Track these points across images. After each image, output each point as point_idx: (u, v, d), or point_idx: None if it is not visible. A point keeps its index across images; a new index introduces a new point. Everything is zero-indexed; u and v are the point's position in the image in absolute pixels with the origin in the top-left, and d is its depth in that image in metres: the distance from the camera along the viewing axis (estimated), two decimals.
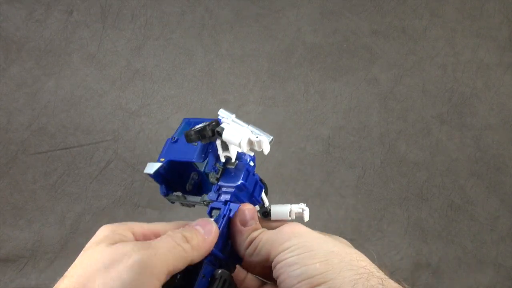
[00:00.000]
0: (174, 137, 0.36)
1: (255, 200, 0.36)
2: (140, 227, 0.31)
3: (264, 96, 1.00)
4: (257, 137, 0.33)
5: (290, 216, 0.38)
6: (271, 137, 0.34)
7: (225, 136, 0.33)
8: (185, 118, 0.38)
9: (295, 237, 0.30)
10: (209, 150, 0.34)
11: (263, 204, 0.38)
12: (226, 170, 0.35)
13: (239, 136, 0.32)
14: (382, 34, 1.06)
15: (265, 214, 0.38)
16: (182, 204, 0.37)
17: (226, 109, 0.36)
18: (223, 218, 0.33)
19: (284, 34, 1.04)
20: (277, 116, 1.00)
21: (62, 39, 0.98)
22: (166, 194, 0.37)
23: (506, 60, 1.07)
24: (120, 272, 0.25)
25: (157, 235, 0.31)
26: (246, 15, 1.04)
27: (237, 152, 0.35)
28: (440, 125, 1.03)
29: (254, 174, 0.36)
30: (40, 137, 0.92)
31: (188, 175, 0.37)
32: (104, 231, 0.29)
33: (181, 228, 0.31)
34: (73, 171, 0.91)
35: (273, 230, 0.32)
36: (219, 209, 0.34)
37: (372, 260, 0.30)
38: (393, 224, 0.96)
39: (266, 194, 0.38)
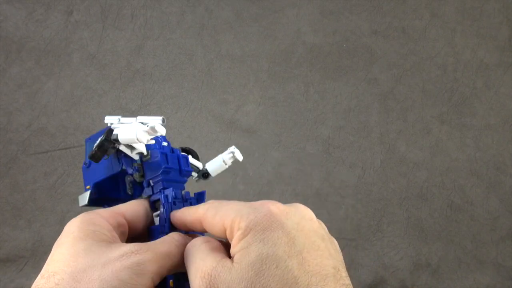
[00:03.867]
0: (86, 162, 0.36)
1: (186, 172, 0.36)
2: (109, 211, 0.31)
3: (264, 96, 1.00)
4: (147, 125, 0.33)
5: (226, 164, 0.38)
6: (161, 117, 0.34)
7: (121, 139, 0.33)
8: (86, 139, 0.37)
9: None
10: (120, 155, 0.34)
11: (198, 168, 0.38)
12: (146, 164, 0.35)
13: (132, 133, 0.32)
14: (382, 34, 1.06)
15: (205, 175, 0.38)
16: None
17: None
18: (164, 207, 0.33)
19: (284, 34, 1.04)
20: (277, 116, 1.00)
21: (62, 39, 0.98)
22: None
23: (506, 60, 1.07)
24: (118, 271, 0.25)
25: (124, 217, 0.31)
26: (246, 15, 1.04)
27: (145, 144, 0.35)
28: (440, 125, 1.03)
29: (173, 151, 0.36)
30: (40, 137, 0.92)
31: (122, 183, 0.37)
32: (78, 224, 0.29)
33: (181, 234, 0.31)
34: (73, 171, 0.91)
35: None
36: (159, 200, 0.34)
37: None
38: (393, 224, 0.96)
39: (197, 158, 0.38)
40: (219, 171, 0.38)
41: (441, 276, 0.94)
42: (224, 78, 1.01)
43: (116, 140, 0.33)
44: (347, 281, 0.25)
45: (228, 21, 1.03)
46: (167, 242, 0.29)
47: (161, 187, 0.34)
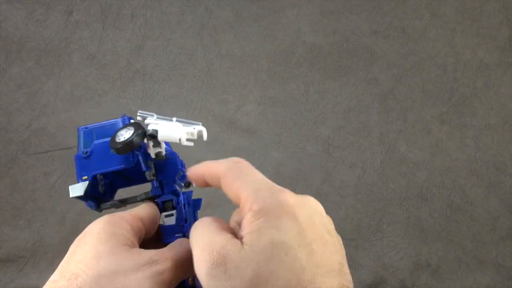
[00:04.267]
0: (86, 152, 0.35)
1: (185, 177, 0.36)
2: (131, 215, 0.31)
3: (264, 96, 1.00)
4: (194, 128, 0.33)
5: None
6: (200, 123, 0.34)
7: (162, 137, 0.32)
8: (79, 128, 0.36)
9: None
10: (136, 152, 0.34)
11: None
12: (158, 163, 0.35)
13: (176, 133, 0.32)
14: (382, 34, 1.06)
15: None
16: (116, 208, 0.37)
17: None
18: (185, 208, 0.34)
19: (284, 34, 1.04)
20: (277, 116, 1.00)
21: (62, 39, 0.98)
22: (97, 207, 0.36)
23: (506, 60, 1.07)
24: (141, 280, 0.26)
25: (142, 220, 0.31)
26: (246, 15, 1.04)
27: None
28: (440, 125, 1.03)
29: (178, 156, 0.37)
30: (40, 137, 0.92)
31: (96, 179, 0.37)
32: (102, 226, 0.29)
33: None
34: (73, 171, 0.91)
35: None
36: (171, 200, 0.34)
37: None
38: (393, 224, 0.96)
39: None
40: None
41: (441, 276, 0.94)
42: (224, 78, 1.01)
43: (154, 137, 0.32)
44: (350, 277, 0.25)
45: (228, 21, 1.03)
46: (185, 248, 0.29)
47: (173, 189, 0.34)
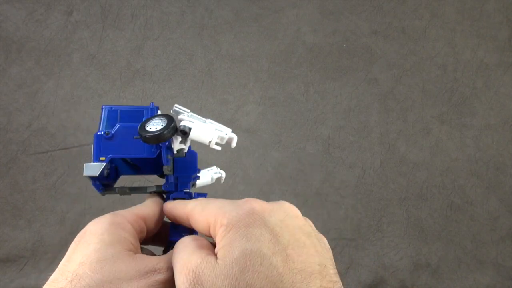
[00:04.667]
0: (108, 132, 0.33)
1: (197, 177, 0.37)
2: (134, 215, 0.31)
3: (264, 96, 1.00)
4: (226, 134, 0.33)
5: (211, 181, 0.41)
6: (230, 130, 0.34)
7: (193, 136, 0.32)
8: (104, 106, 0.35)
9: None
10: (161, 144, 0.33)
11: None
12: (176, 160, 0.35)
13: (208, 135, 0.32)
14: (382, 34, 1.06)
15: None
16: (120, 194, 0.37)
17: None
18: None
19: (284, 34, 1.04)
20: (277, 116, 1.00)
21: (62, 39, 0.98)
22: (103, 191, 0.35)
23: (506, 60, 1.07)
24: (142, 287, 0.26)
25: (144, 220, 0.31)
26: (246, 15, 1.04)
27: None
28: (440, 125, 1.03)
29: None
30: (40, 137, 0.92)
31: (131, 168, 0.37)
32: (107, 227, 0.28)
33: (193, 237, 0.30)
34: (73, 171, 0.91)
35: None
36: (183, 199, 0.34)
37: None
38: (393, 224, 0.96)
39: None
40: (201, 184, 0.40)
41: (441, 276, 0.94)
42: (224, 78, 1.01)
43: (185, 133, 0.32)
44: (335, 278, 0.25)
45: (228, 21, 1.03)
46: (185, 253, 0.29)
47: (186, 187, 0.34)
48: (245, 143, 0.96)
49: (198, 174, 0.36)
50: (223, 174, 0.41)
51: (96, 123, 0.35)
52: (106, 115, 0.34)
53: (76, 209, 0.88)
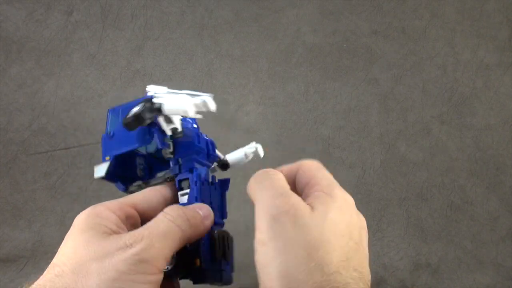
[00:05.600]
0: (110, 132, 0.34)
1: (213, 157, 0.36)
2: (118, 203, 0.31)
3: (264, 96, 1.00)
4: (200, 99, 0.33)
5: (247, 158, 0.39)
6: (212, 95, 0.33)
7: (167, 109, 0.32)
8: (109, 109, 0.35)
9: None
10: (152, 129, 0.33)
11: (219, 157, 0.38)
12: (176, 141, 0.34)
13: (182, 104, 0.31)
14: (382, 34, 1.06)
15: (224, 166, 0.38)
16: (141, 189, 0.37)
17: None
18: (195, 185, 0.33)
19: (284, 34, 1.04)
20: (277, 116, 1.00)
21: (62, 39, 0.98)
22: (126, 189, 0.36)
23: (506, 60, 1.07)
24: (115, 263, 0.26)
25: (135, 207, 0.31)
26: (246, 15, 1.04)
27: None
28: (440, 125, 1.03)
29: (202, 134, 0.36)
30: (40, 137, 0.92)
31: (133, 162, 0.37)
32: (84, 217, 0.29)
33: (177, 206, 0.31)
34: (73, 171, 0.91)
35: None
36: (187, 179, 0.34)
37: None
38: (393, 224, 0.96)
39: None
40: (238, 164, 0.38)
41: (441, 276, 0.94)
42: (224, 78, 1.01)
43: (159, 110, 0.31)
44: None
45: (228, 21, 1.03)
46: (161, 222, 0.29)
47: (191, 167, 0.33)
48: (245, 143, 0.96)
49: (215, 154, 0.35)
50: (258, 147, 0.40)
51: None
52: (110, 117, 0.35)
53: (76, 209, 0.88)
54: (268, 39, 1.03)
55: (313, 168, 0.32)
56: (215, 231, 0.31)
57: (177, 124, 0.34)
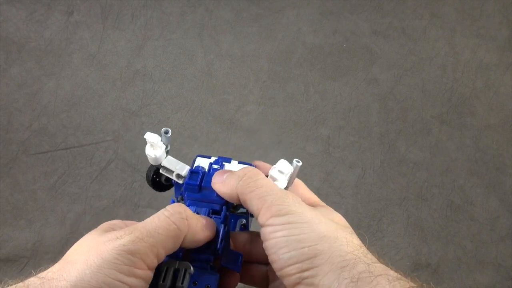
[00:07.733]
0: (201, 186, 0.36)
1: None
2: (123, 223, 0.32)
3: (264, 96, 1.00)
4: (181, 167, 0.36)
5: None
6: (165, 128, 0.36)
7: (163, 169, 0.36)
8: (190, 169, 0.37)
9: (287, 215, 0.29)
10: (174, 182, 0.37)
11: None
12: (179, 185, 0.37)
13: (147, 150, 0.36)
14: (382, 34, 1.06)
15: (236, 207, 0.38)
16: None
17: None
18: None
19: (284, 34, 1.04)
20: (277, 116, 1.00)
21: (62, 40, 0.98)
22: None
23: (505, 60, 1.07)
24: (101, 252, 0.26)
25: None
26: (246, 15, 1.04)
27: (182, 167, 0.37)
28: (440, 125, 1.03)
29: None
30: (41, 137, 0.92)
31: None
32: (103, 224, 0.31)
33: (179, 204, 0.30)
34: (74, 171, 0.91)
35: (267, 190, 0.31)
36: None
37: (364, 242, 0.31)
38: (393, 224, 0.96)
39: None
40: None
41: (441, 276, 0.94)
42: (224, 78, 1.01)
43: (157, 167, 0.37)
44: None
45: (228, 21, 1.03)
46: (157, 217, 0.29)
47: (187, 205, 0.33)
48: (245, 143, 0.96)
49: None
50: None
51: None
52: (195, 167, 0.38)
53: (76, 209, 0.88)
54: (268, 39, 1.03)
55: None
56: (166, 261, 0.29)
57: (172, 175, 0.36)
